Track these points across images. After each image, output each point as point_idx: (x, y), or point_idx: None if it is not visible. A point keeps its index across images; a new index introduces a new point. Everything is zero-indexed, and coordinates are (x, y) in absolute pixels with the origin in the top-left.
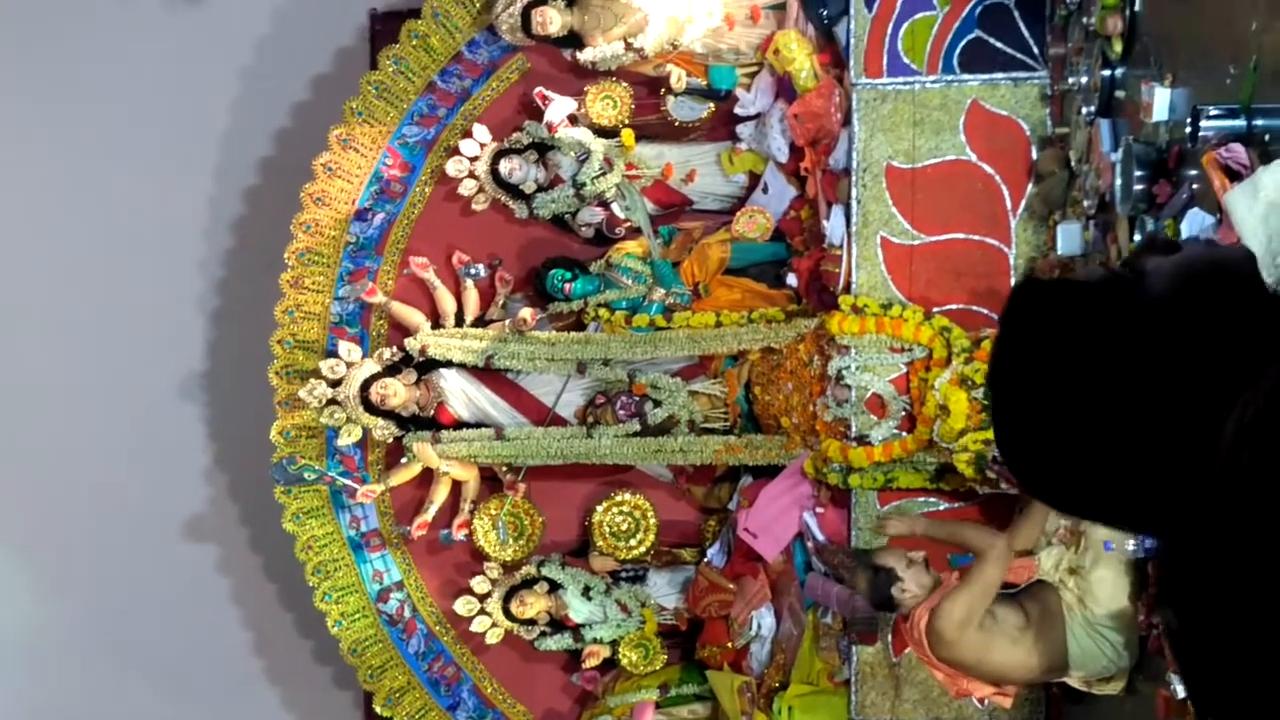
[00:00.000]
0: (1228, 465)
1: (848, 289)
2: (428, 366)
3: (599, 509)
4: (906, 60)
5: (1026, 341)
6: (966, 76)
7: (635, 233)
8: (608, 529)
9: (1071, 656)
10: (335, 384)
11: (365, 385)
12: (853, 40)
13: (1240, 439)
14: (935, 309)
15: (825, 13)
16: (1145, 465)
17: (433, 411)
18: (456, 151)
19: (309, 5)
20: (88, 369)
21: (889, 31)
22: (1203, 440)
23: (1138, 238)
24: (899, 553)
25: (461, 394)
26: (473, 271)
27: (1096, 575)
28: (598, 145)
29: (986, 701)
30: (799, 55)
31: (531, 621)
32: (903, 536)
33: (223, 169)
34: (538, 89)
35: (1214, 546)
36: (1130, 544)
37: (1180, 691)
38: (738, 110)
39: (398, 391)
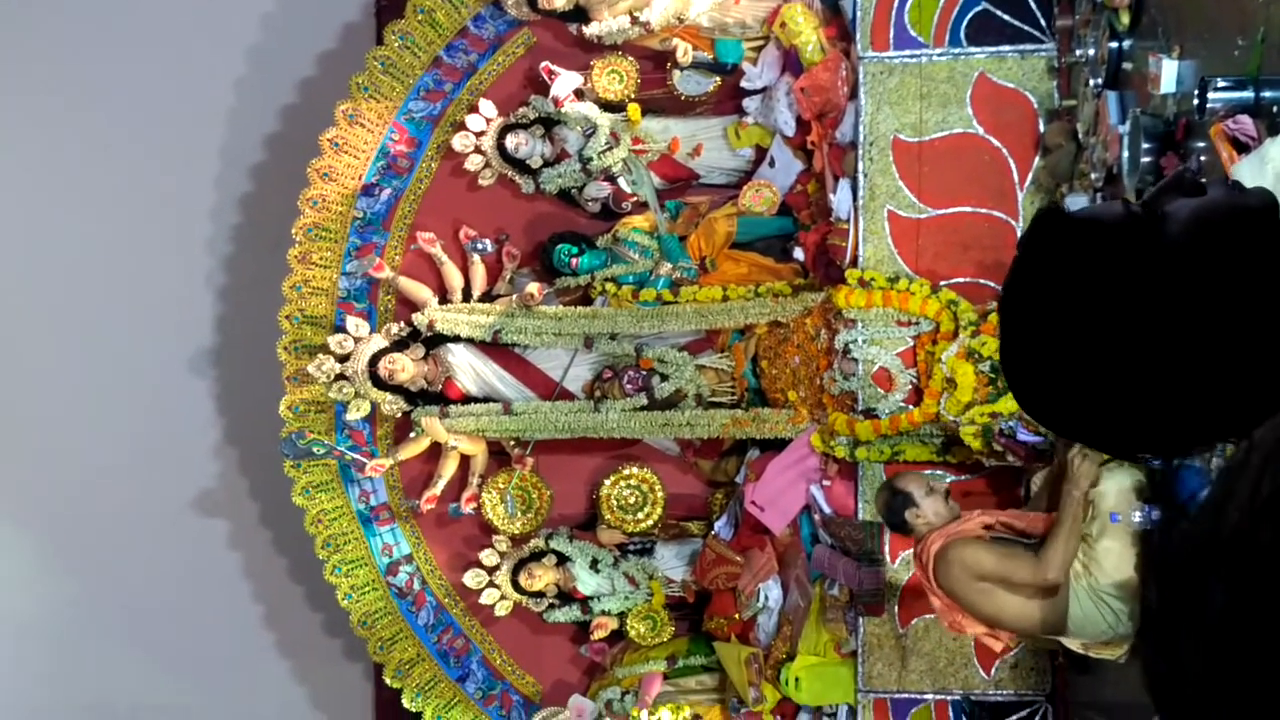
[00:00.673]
0: (1243, 538)
1: (854, 263)
2: (435, 341)
3: (606, 482)
4: (913, 33)
5: (1043, 272)
6: (973, 49)
7: (642, 207)
8: (615, 502)
9: (1071, 618)
10: (343, 359)
11: (373, 360)
12: (859, 13)
13: (1260, 515)
14: (942, 282)
15: None
16: (1146, 399)
17: (440, 386)
18: (463, 126)
19: None
20: (97, 346)
21: (895, 4)
22: (1206, 377)
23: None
24: (920, 479)
25: (469, 369)
26: (480, 246)
27: (1103, 545)
28: (604, 120)
29: (993, 671)
30: (805, 28)
31: (540, 594)
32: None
33: (229, 145)
34: (544, 64)
35: (1223, 620)
36: (1137, 516)
37: None
38: (744, 84)
39: (405, 366)
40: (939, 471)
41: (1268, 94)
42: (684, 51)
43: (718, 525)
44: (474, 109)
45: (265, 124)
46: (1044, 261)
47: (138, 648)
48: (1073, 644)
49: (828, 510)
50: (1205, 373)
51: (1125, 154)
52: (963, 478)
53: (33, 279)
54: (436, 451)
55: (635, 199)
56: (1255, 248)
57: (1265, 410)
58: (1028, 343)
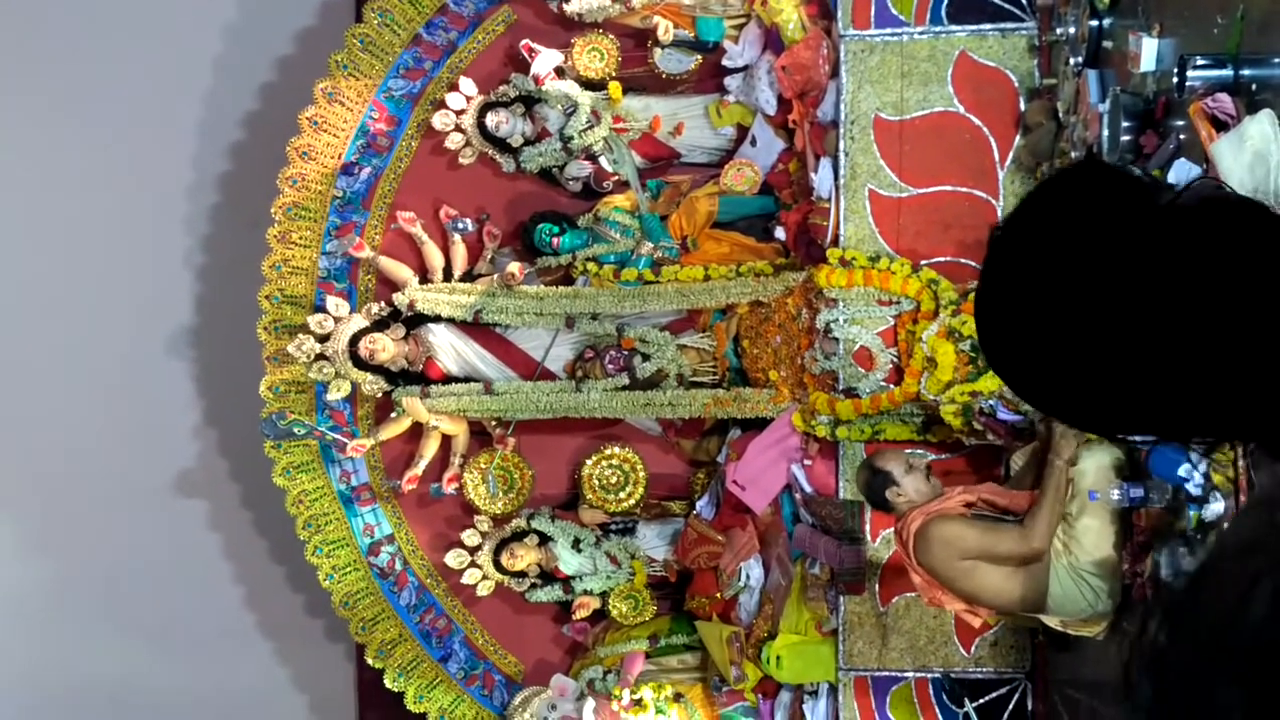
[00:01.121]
0: (1262, 644)
1: (836, 242)
2: (416, 321)
3: (588, 462)
4: (894, 11)
5: (1050, 215)
6: (954, 28)
7: (623, 186)
8: (597, 482)
9: (1051, 596)
10: (323, 339)
11: (354, 340)
12: None
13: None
14: (923, 261)
15: None
16: (1135, 375)
17: (421, 366)
18: (443, 105)
19: None
20: (75, 327)
21: None
22: (1197, 353)
23: None
24: (900, 456)
25: (450, 349)
26: (460, 226)
27: (1083, 523)
28: (585, 98)
29: (973, 649)
30: (786, 7)
31: (522, 574)
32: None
33: (208, 124)
34: (524, 41)
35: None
36: (1115, 494)
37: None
38: (725, 62)
39: (386, 346)
40: (919, 450)
41: (1246, 72)
42: (665, 29)
43: (699, 505)
44: (454, 87)
45: (244, 102)
46: (1055, 203)
47: (117, 630)
48: (1052, 621)
49: (809, 489)
50: (1204, 356)
51: (1105, 132)
52: (943, 456)
53: (8, 258)
54: (418, 432)
55: (616, 178)
56: (1265, 237)
57: (1259, 408)
58: (1014, 293)
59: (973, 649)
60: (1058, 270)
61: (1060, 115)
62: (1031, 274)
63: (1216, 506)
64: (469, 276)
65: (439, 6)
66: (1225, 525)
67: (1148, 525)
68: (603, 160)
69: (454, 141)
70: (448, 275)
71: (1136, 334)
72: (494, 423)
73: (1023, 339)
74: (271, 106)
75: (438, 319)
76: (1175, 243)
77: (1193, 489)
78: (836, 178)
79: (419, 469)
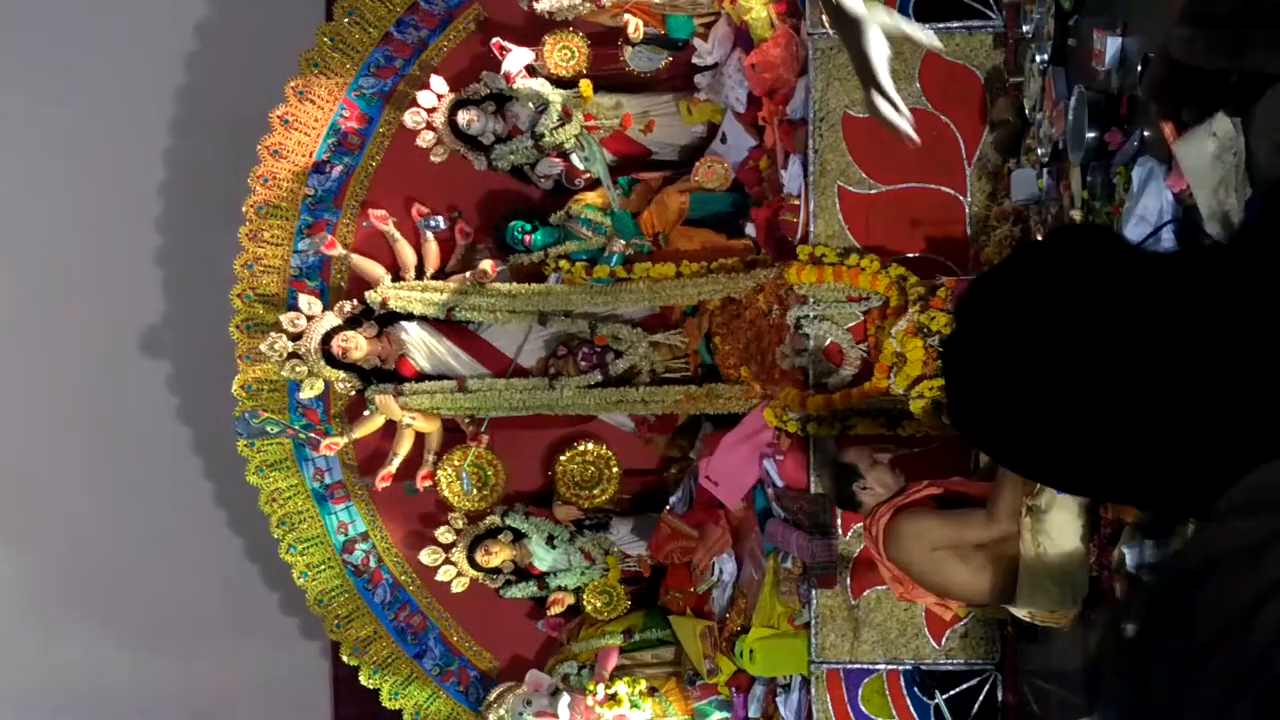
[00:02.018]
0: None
1: (806, 238)
2: (389, 319)
3: (562, 459)
4: None
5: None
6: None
7: (594, 184)
8: (571, 478)
9: (1020, 588)
10: (296, 337)
11: (326, 338)
12: None
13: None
14: (892, 257)
15: None
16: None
17: (394, 364)
18: (414, 103)
19: None
20: (45, 326)
21: None
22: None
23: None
24: (864, 452)
25: (423, 346)
26: (432, 224)
27: (1050, 516)
28: (556, 96)
29: (943, 641)
30: (755, 4)
31: (496, 570)
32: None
33: (178, 123)
34: (495, 40)
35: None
36: None
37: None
38: (695, 60)
39: (359, 344)
40: (890, 446)
41: None
42: (635, 27)
43: (673, 500)
44: (425, 85)
45: (214, 100)
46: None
47: (91, 628)
48: (1020, 613)
49: (780, 484)
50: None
51: (1070, 129)
52: (914, 450)
53: None
54: (391, 429)
55: (588, 175)
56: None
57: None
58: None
59: (943, 641)
60: (1026, 327)
61: (1027, 112)
62: (1001, 330)
63: None
64: (441, 274)
65: (409, 4)
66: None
67: (1114, 518)
68: (574, 158)
69: (425, 140)
70: (420, 273)
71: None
72: (467, 420)
73: (988, 389)
74: (242, 105)
75: (410, 317)
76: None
77: None
78: (806, 175)
79: (393, 467)
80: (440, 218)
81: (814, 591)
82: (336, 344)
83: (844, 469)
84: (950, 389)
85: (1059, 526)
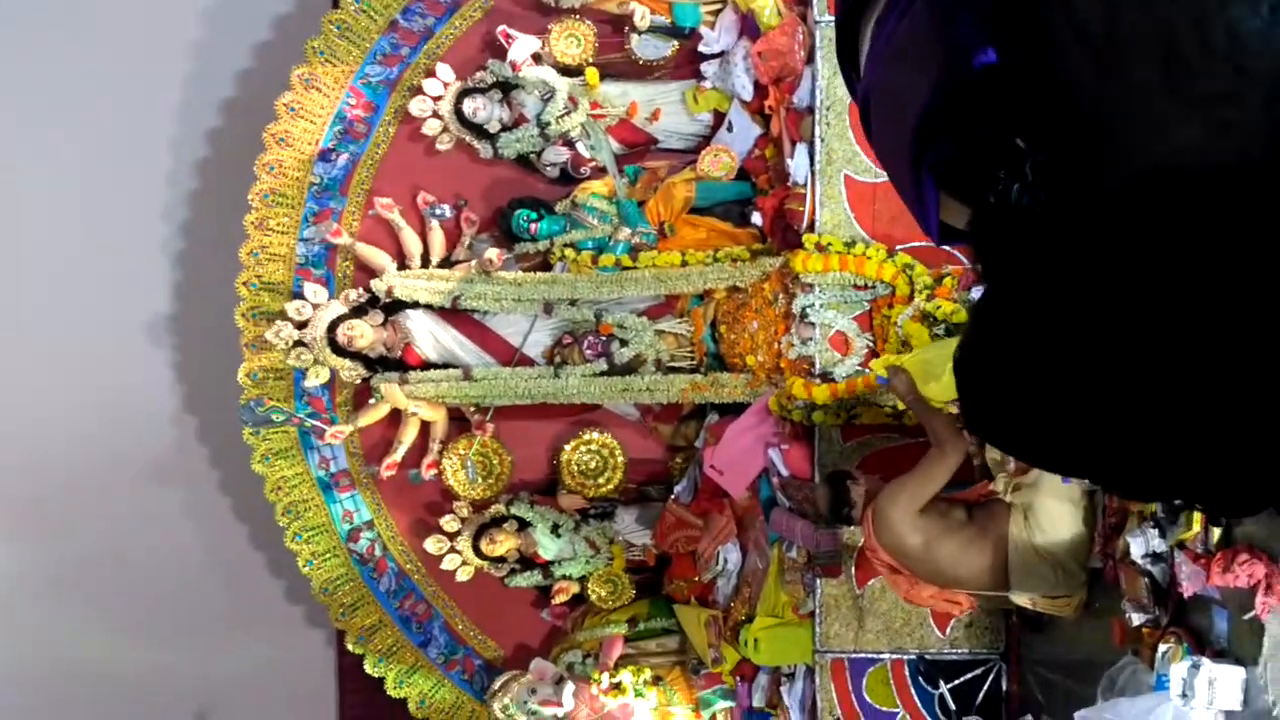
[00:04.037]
0: None
1: (812, 227)
2: (394, 308)
3: (567, 448)
4: None
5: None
6: None
7: (600, 172)
8: (576, 467)
9: (1011, 570)
10: (301, 325)
11: (332, 327)
12: None
13: None
14: (898, 246)
15: None
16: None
17: (400, 352)
18: (420, 91)
19: None
20: (53, 313)
21: None
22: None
23: None
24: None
25: (428, 335)
26: (438, 212)
27: (1041, 504)
28: (562, 84)
29: (948, 631)
30: None
31: (501, 559)
32: (899, 393)
33: (185, 110)
34: (501, 27)
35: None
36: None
37: (1135, 619)
38: (702, 48)
39: (364, 333)
40: (894, 435)
41: None
42: (642, 15)
43: (677, 489)
44: (431, 73)
45: (221, 88)
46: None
47: (98, 617)
48: (1022, 600)
49: (785, 473)
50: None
51: None
52: (918, 439)
53: None
54: (396, 417)
55: (594, 164)
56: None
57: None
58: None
59: (948, 631)
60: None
61: None
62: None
63: None
64: (447, 262)
65: None
66: None
67: (1119, 507)
68: (580, 146)
69: (431, 128)
70: (425, 261)
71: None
72: (472, 409)
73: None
74: (249, 93)
75: (415, 305)
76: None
77: None
78: (812, 163)
79: (398, 455)
80: (446, 206)
81: (819, 581)
82: (342, 332)
83: (836, 473)
84: (973, 398)
85: (1050, 514)
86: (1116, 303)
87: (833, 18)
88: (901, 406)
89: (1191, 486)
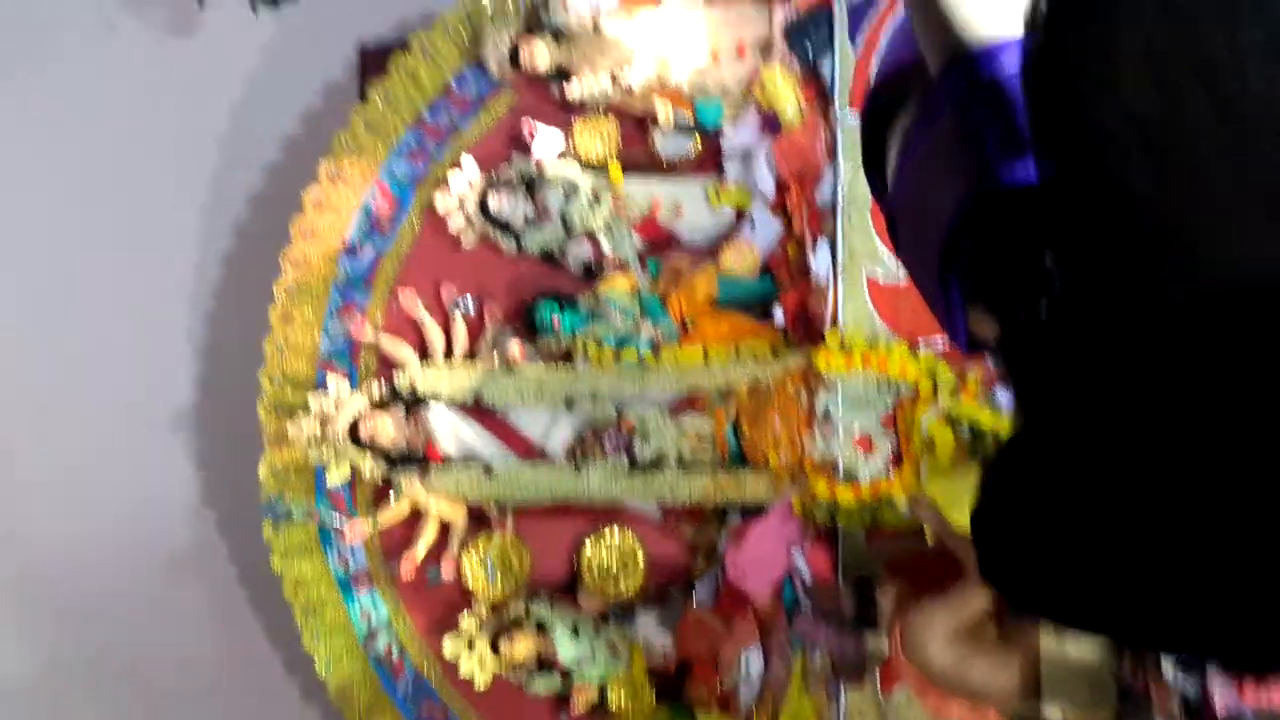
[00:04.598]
0: None
1: (834, 324)
2: (416, 402)
3: (587, 546)
4: None
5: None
6: None
7: (623, 267)
8: (596, 567)
9: (1044, 683)
10: (324, 420)
11: (354, 422)
12: (837, 75)
13: None
14: (921, 343)
15: (809, 47)
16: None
17: (421, 449)
18: (445, 185)
19: (299, 40)
20: (74, 403)
21: (874, 64)
22: None
23: None
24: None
25: (450, 430)
26: (461, 306)
27: None
28: (585, 180)
29: None
30: (784, 90)
31: (520, 663)
32: (926, 520)
33: (211, 204)
34: (525, 122)
35: None
36: None
37: None
38: (724, 145)
39: (386, 429)
40: (919, 540)
41: None
42: (665, 113)
43: (699, 591)
44: (456, 168)
45: (248, 181)
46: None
47: (104, 714)
48: (1053, 713)
49: (809, 577)
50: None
51: None
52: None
53: (6, 332)
54: (416, 515)
55: (617, 259)
56: None
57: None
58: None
59: None
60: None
61: None
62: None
63: None
64: (470, 356)
65: (442, 88)
66: None
67: None
68: (603, 241)
69: (456, 222)
70: (448, 355)
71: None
72: (493, 506)
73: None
74: (275, 186)
75: (438, 399)
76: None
77: None
78: (834, 260)
79: (418, 553)
80: (469, 300)
81: (843, 688)
82: (364, 428)
83: (860, 580)
84: (990, 553)
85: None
86: (1174, 439)
87: (856, 115)
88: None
89: (1228, 643)
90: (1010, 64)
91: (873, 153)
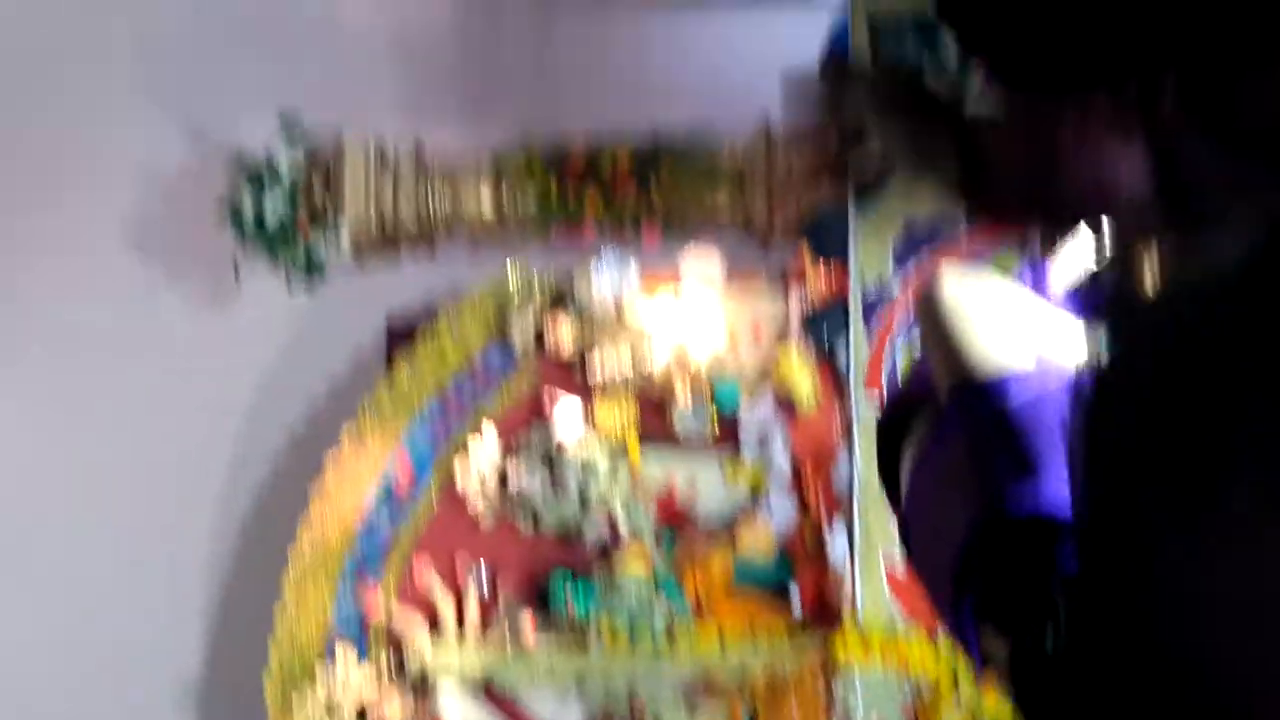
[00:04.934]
0: None
1: (852, 610)
2: (426, 679)
3: None
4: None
5: None
6: None
7: (639, 545)
8: None
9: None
10: (331, 695)
11: (361, 701)
12: (853, 360)
13: None
14: (940, 633)
15: (825, 332)
16: None
17: None
18: (465, 458)
19: (328, 313)
20: (82, 682)
21: (888, 348)
22: None
23: None
24: None
25: (458, 710)
26: (475, 580)
27: None
28: (603, 457)
29: None
30: (799, 373)
31: None
32: None
33: (234, 467)
34: (546, 398)
35: None
36: None
37: None
38: (740, 425)
39: (394, 710)
40: None
41: None
42: (683, 394)
43: None
44: (477, 440)
45: (271, 445)
46: None
47: None
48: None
49: None
50: None
51: None
52: None
53: (20, 609)
54: None
55: (633, 537)
56: None
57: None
58: None
59: None
60: None
61: None
62: None
63: None
64: (482, 632)
65: (466, 363)
66: None
67: None
68: (619, 518)
69: (473, 495)
70: (460, 630)
71: None
72: None
73: None
74: (297, 455)
75: (448, 675)
76: None
77: None
78: (851, 547)
79: None
80: (484, 573)
81: None
82: (372, 713)
83: None
84: None
85: None
86: None
87: (871, 399)
88: None
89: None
90: (1018, 395)
91: (888, 463)
